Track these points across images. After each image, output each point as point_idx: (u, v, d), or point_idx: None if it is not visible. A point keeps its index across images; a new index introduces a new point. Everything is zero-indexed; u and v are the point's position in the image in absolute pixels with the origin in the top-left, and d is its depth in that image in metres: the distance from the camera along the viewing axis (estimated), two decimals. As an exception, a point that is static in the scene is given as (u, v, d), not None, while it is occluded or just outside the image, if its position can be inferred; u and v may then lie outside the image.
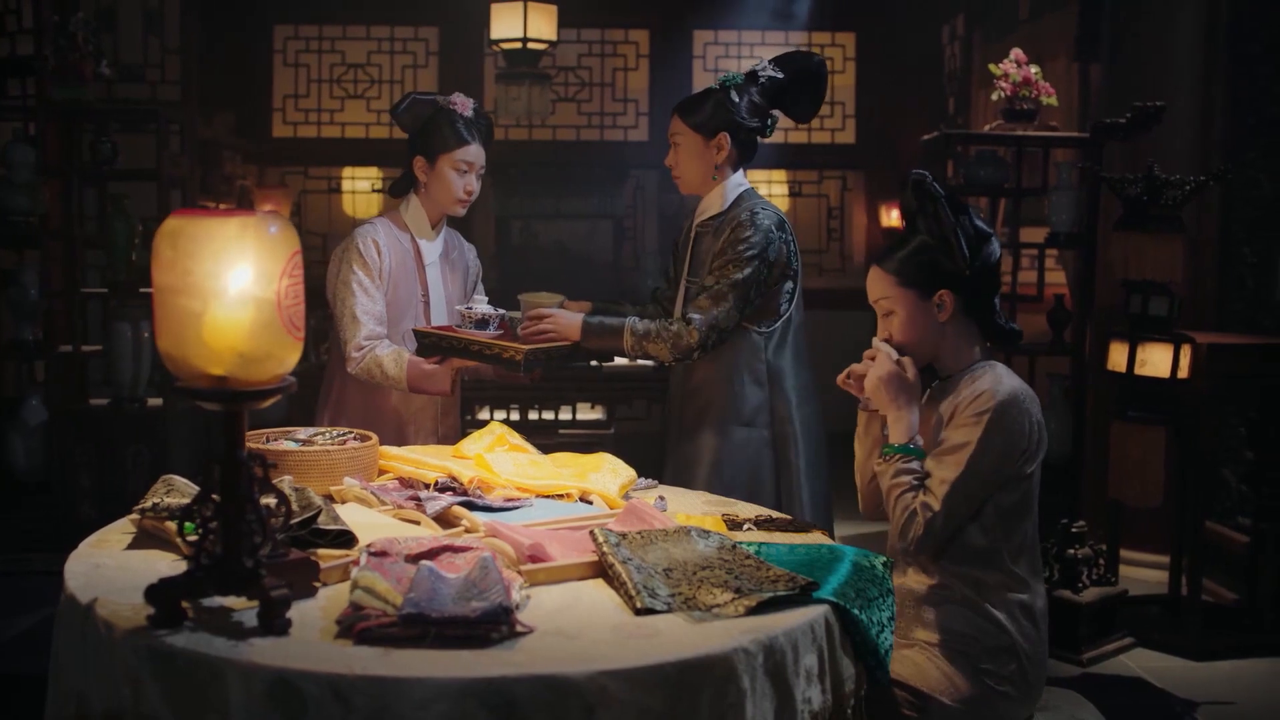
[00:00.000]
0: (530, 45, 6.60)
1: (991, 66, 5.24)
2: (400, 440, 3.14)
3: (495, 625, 1.69)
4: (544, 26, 6.65)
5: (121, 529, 2.23)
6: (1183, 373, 3.96)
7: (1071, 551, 4.17)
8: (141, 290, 4.90)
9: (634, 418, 5.83)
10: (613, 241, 8.71)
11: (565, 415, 5.55)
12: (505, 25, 6.61)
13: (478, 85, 8.34)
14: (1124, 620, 4.38)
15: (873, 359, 2.35)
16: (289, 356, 1.72)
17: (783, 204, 8.64)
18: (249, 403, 1.72)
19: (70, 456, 4.86)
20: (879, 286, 2.39)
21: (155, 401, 4.96)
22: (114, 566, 2.00)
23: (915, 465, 2.28)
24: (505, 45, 6.64)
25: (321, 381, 3.29)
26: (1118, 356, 4.15)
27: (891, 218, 8.32)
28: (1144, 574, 4.97)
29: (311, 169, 8.40)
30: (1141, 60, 5.10)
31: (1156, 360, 4.03)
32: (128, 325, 4.88)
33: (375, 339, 3.04)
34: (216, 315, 1.65)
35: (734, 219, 2.97)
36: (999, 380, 2.29)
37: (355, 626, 1.68)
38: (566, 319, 2.99)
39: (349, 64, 8.32)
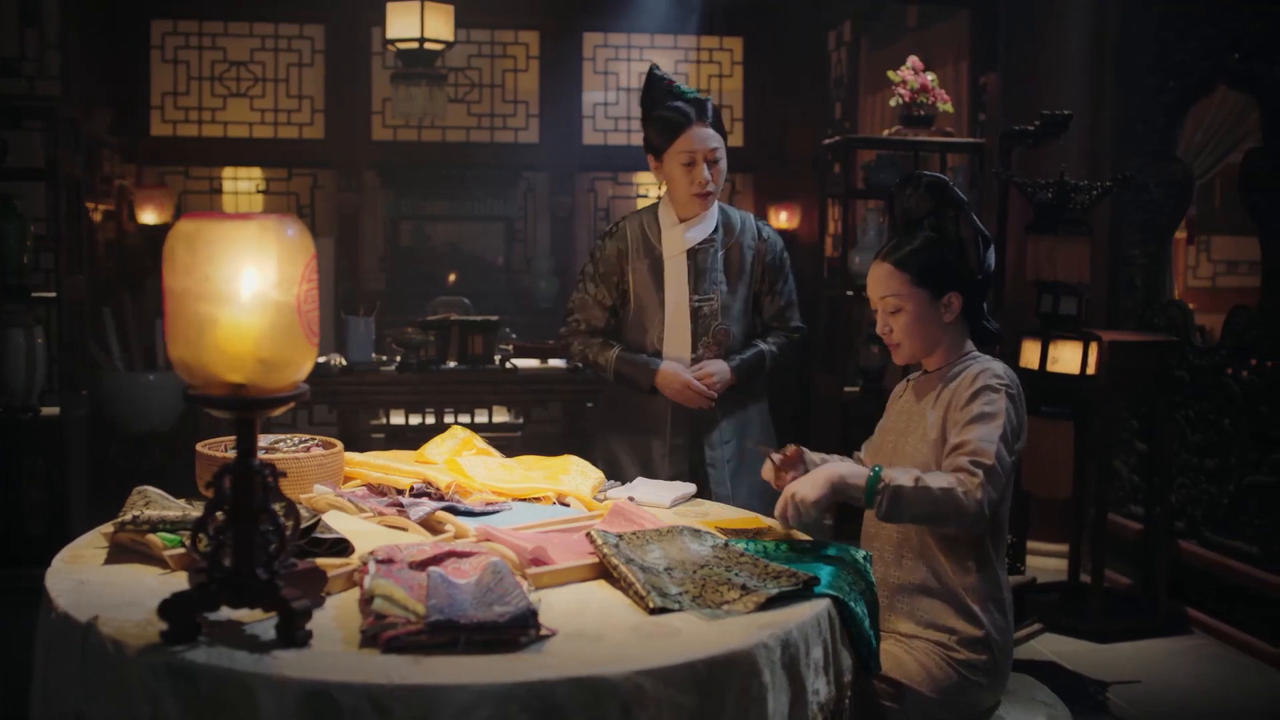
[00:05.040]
0: (427, 45, 6.53)
1: (890, 73, 5.39)
2: None
3: (524, 629, 1.69)
4: (441, 27, 6.58)
5: (93, 543, 2.15)
6: (1091, 369, 4.16)
7: (984, 542, 4.32)
8: (34, 295, 4.70)
9: (549, 420, 5.83)
10: (504, 243, 8.68)
11: (481, 418, 5.51)
12: (401, 25, 6.52)
13: (365, 85, 8.21)
14: (1030, 607, 4.56)
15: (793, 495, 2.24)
16: (306, 362, 1.69)
17: (672, 206, 8.71)
18: (264, 410, 1.68)
19: (-40, 469, 4.63)
20: (889, 284, 2.41)
21: (51, 410, 4.75)
22: (99, 583, 1.93)
23: (893, 472, 2.23)
24: (401, 45, 6.55)
25: None
26: (1030, 354, 4.32)
27: (780, 219, 8.47)
28: (1041, 562, 5.18)
29: (192, 169, 8.14)
30: (1033, 70, 5.32)
31: (1067, 357, 4.22)
32: (20, 331, 4.66)
33: None
34: (237, 320, 1.61)
35: (753, 232, 3.20)
36: (994, 364, 2.38)
37: (381, 635, 1.66)
38: (723, 367, 3.15)
39: (231, 61, 8.07)
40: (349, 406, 5.12)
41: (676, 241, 3.13)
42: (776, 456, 2.44)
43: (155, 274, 7.31)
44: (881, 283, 2.43)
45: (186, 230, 1.62)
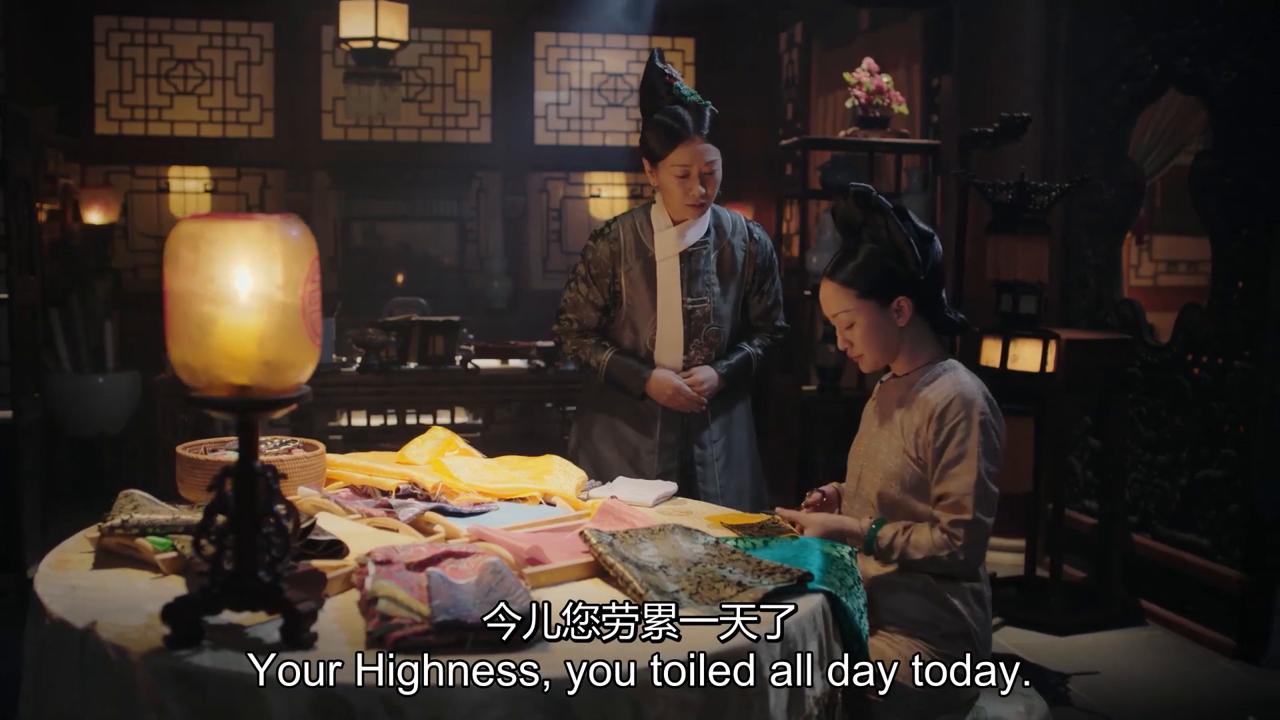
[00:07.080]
0: (381, 45, 6.49)
1: (847, 75, 5.45)
2: None
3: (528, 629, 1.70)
4: (395, 26, 6.54)
5: (78, 548, 2.12)
6: (1050, 367, 4.23)
7: (946, 538, 4.39)
8: (-10, 297, 4.62)
9: (508, 420, 5.82)
10: (457, 244, 8.64)
11: (443, 419, 5.49)
12: (355, 24, 6.47)
13: (315, 83, 8.14)
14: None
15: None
16: (309, 364, 1.68)
17: (624, 206, 8.73)
18: (269, 412, 1.67)
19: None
20: (838, 301, 2.45)
21: (3, 414, 4.66)
22: (91, 588, 1.90)
23: (888, 530, 2.38)
24: (355, 44, 6.50)
25: None
26: (991, 352, 4.39)
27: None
28: (998, 557, 5.26)
29: (139, 168, 8.00)
30: (987, 72, 5.39)
31: (1027, 356, 4.29)
32: (-31, 334, 4.58)
33: None
34: (242, 322, 1.60)
35: (744, 233, 3.19)
36: (964, 382, 2.40)
37: (388, 636, 1.66)
38: (712, 373, 3.15)
39: (178, 59, 7.97)
40: (308, 408, 5.07)
41: (670, 244, 3.10)
42: (815, 496, 2.60)
43: (102, 275, 7.18)
44: (831, 300, 2.48)
45: (190, 231, 1.61)
